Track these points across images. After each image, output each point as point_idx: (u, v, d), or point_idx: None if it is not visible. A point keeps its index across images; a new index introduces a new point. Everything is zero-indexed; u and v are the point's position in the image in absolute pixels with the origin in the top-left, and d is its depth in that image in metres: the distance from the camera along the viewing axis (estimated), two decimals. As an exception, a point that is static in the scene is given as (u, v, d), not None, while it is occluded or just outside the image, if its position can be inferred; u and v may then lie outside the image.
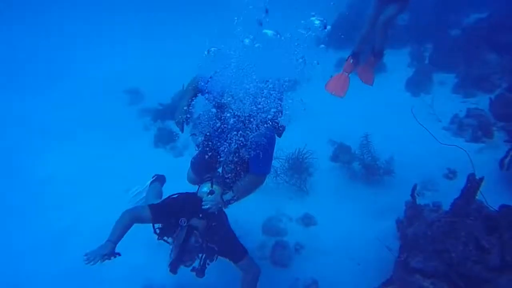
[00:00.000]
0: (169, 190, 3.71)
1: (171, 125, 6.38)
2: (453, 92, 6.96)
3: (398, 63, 7.89)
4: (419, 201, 4.01)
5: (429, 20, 8.96)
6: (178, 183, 3.84)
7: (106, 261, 2.60)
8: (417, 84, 7.16)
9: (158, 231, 3.00)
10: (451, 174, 4.92)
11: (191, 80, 3.29)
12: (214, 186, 3.10)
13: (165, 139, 5.96)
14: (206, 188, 3.12)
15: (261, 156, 2.93)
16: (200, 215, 2.93)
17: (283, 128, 3.21)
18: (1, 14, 10.91)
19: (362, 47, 4.79)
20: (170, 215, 2.96)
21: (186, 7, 10.67)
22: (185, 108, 3.16)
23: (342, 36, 5.88)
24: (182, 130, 3.28)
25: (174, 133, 6.02)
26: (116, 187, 5.07)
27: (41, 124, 6.67)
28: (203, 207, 2.91)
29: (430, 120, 6.13)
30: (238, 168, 3.09)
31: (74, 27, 10.34)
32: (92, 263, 2.52)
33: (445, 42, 8.18)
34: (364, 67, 4.93)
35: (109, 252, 2.62)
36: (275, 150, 3.15)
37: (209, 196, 3.00)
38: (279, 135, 3.21)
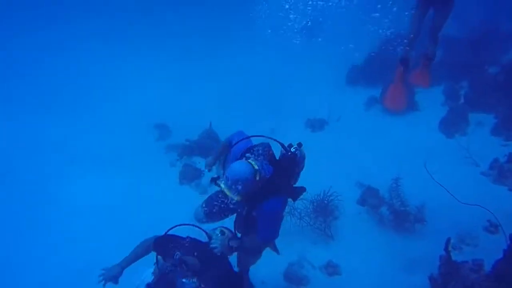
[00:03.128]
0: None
1: (197, 162, 6.48)
2: (493, 134, 6.52)
3: (431, 102, 7.59)
4: (456, 256, 3.69)
5: (464, 56, 8.68)
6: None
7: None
8: (452, 125, 6.79)
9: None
10: (492, 228, 4.45)
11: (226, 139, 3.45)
12: (225, 230, 3.01)
13: (190, 176, 6.03)
14: (218, 229, 3.04)
15: (264, 223, 2.88)
16: (195, 253, 2.83)
17: (302, 190, 3.12)
18: (38, 44, 11.94)
19: (409, 53, 4.74)
20: (169, 248, 2.93)
21: (215, 44, 11.16)
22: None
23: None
24: (209, 170, 3.56)
25: (201, 170, 6.11)
26: (139, 223, 5.10)
27: (72, 153, 6.98)
28: (210, 245, 2.84)
29: (467, 164, 5.75)
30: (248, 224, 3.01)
31: (108, 57, 10.99)
32: (103, 282, 2.83)
33: (483, 79, 7.80)
34: (418, 73, 4.90)
35: (115, 275, 2.87)
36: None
37: (219, 235, 2.89)
38: (295, 198, 3.13)
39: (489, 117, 6.90)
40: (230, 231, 3.07)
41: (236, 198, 2.69)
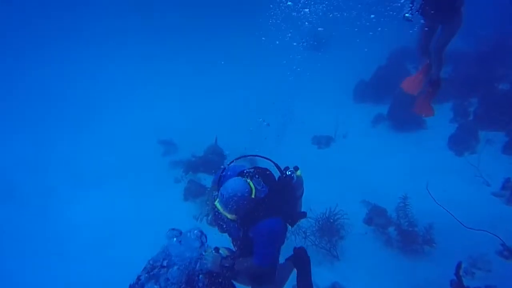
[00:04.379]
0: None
1: (202, 178, 6.46)
2: (504, 152, 6.35)
3: (439, 119, 7.44)
4: (468, 281, 3.54)
5: (474, 72, 8.57)
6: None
7: None
8: (461, 142, 6.65)
9: None
10: (506, 252, 4.21)
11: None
12: (223, 249, 2.93)
13: (194, 192, 5.99)
14: (217, 248, 2.92)
15: (259, 243, 2.69)
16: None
17: (301, 216, 3.02)
18: (40, 61, 12.20)
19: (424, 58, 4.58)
20: None
21: (220, 60, 11.28)
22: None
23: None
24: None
25: (206, 187, 6.08)
26: (142, 239, 5.05)
27: (77, 170, 7.03)
28: (201, 261, 2.69)
29: (477, 183, 5.59)
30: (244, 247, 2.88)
31: (113, 75, 11.17)
32: None
33: (493, 96, 7.67)
34: (421, 101, 4.65)
35: None
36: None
37: (213, 252, 2.75)
38: (292, 224, 2.99)
39: (500, 135, 6.75)
40: (230, 251, 2.99)
41: (229, 216, 2.60)
